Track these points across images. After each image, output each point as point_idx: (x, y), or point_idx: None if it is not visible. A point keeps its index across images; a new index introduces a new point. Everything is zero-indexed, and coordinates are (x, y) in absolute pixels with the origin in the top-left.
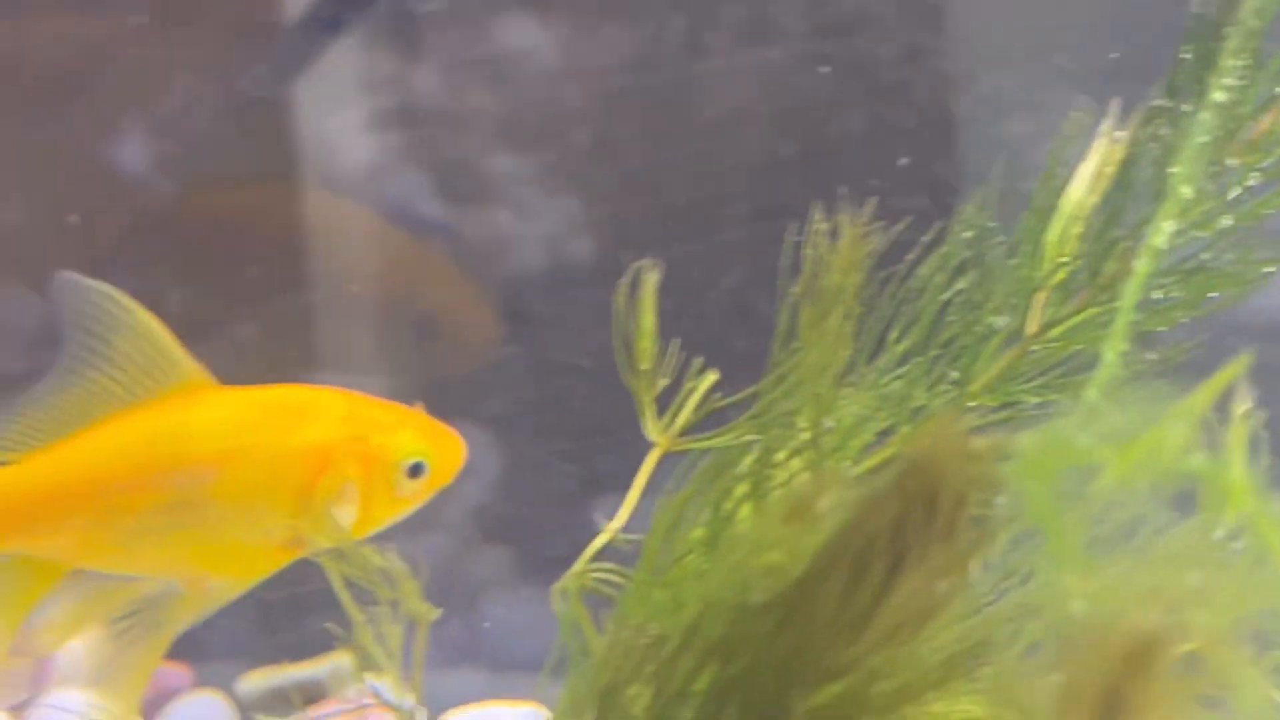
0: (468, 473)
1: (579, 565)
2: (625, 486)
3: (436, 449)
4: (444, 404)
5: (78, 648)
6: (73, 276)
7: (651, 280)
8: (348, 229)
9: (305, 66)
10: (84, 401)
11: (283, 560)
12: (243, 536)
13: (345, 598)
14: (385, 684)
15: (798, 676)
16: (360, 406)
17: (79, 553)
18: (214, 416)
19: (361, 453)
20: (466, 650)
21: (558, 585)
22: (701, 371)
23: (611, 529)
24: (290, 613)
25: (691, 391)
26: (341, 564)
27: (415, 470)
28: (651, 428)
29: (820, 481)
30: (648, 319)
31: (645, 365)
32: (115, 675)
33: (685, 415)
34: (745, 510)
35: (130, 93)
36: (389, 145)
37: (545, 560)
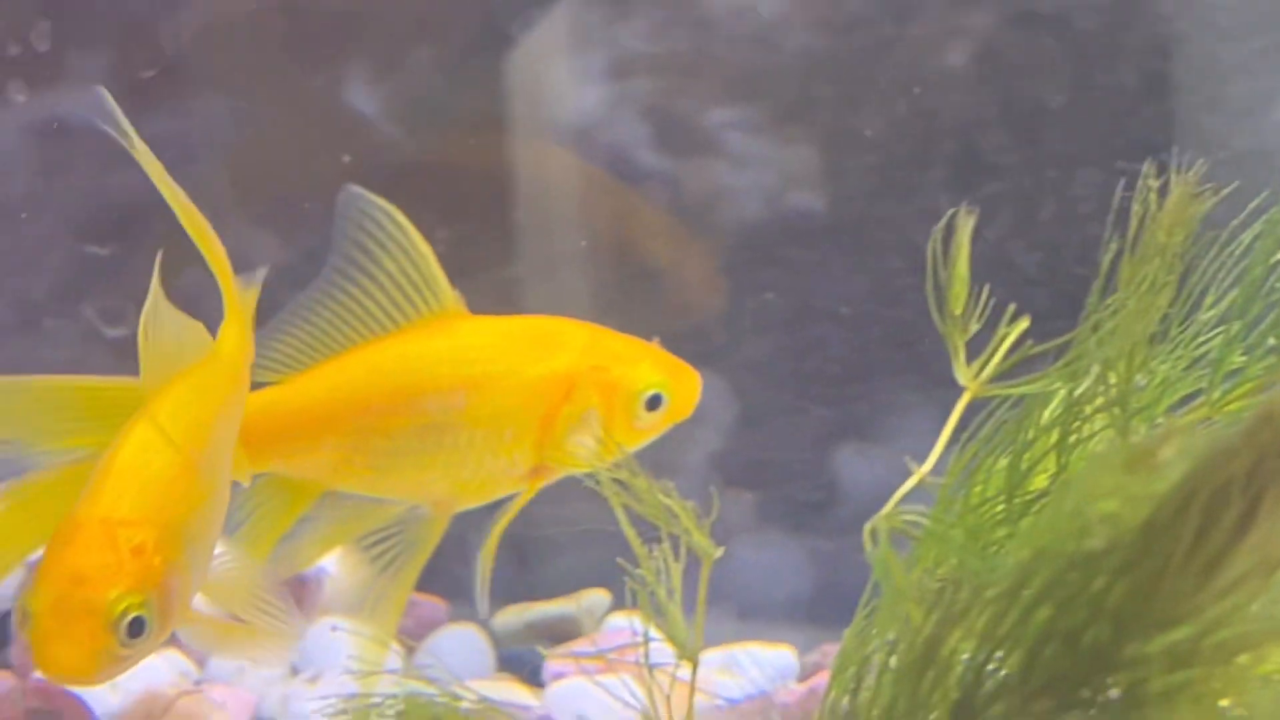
0: (718, 415)
1: (888, 507)
2: (877, 433)
3: (674, 382)
4: (697, 347)
5: (339, 575)
6: (358, 190)
7: (968, 226)
8: (571, 180)
9: (542, 14)
10: (344, 319)
11: (531, 486)
12: (489, 461)
13: (630, 533)
14: (643, 621)
15: (1133, 624)
16: (602, 338)
17: (334, 474)
18: (466, 343)
19: (603, 382)
20: (713, 592)
21: (868, 525)
22: (1013, 320)
23: (921, 472)
24: (543, 551)
25: (1003, 338)
26: (624, 496)
27: (654, 402)
28: (962, 372)
29: (1164, 431)
30: (962, 265)
31: (958, 310)
32: (373, 600)
33: (995, 361)
34: (1050, 462)
35: (390, 38)
36: (609, 96)
37: (795, 505)
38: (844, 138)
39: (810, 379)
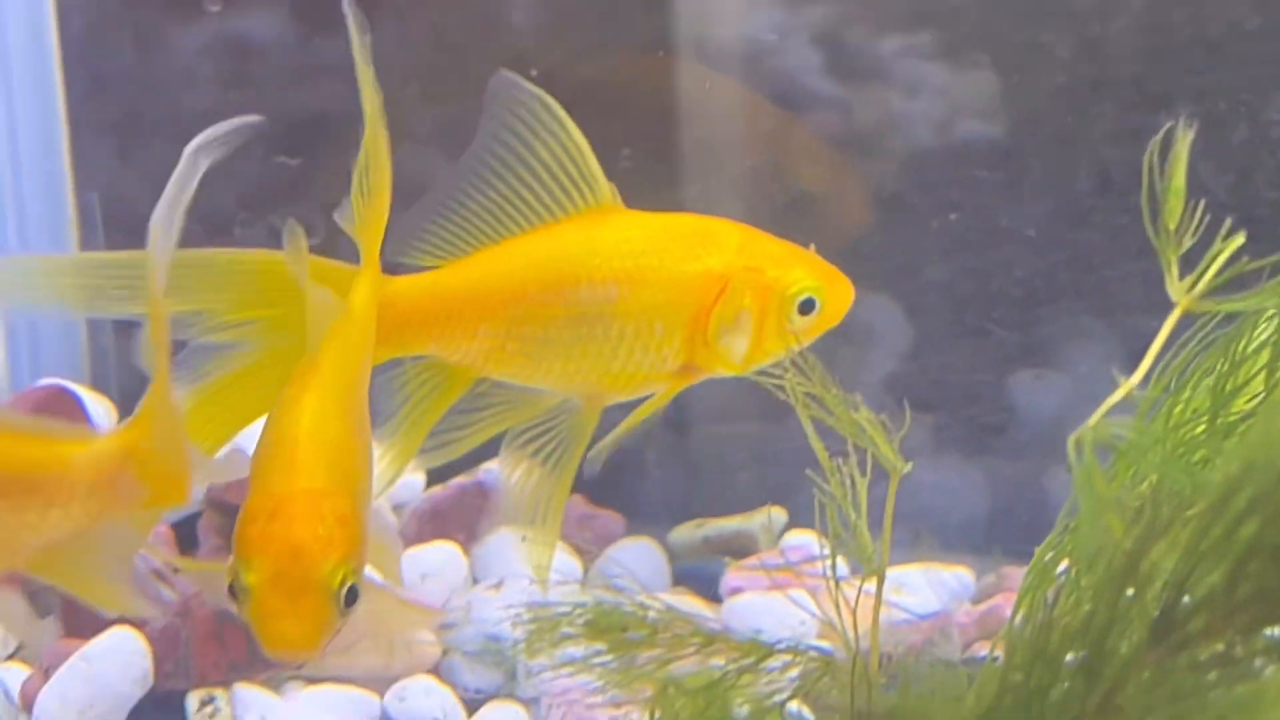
0: (900, 336)
1: (1094, 419)
2: (1058, 358)
3: (828, 287)
4: (879, 266)
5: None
6: (510, 75)
7: (1187, 139)
8: (725, 104)
9: None
10: (502, 208)
11: (674, 385)
12: (639, 355)
13: (819, 448)
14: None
15: None
16: (756, 239)
17: (488, 360)
18: (621, 237)
19: (757, 283)
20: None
21: (1073, 436)
22: (1228, 235)
23: (1129, 384)
24: (718, 470)
25: (1216, 254)
26: (814, 410)
27: (806, 306)
28: (1174, 287)
29: None
30: (1179, 178)
31: (1173, 225)
32: (534, 502)
33: (1209, 277)
34: (1254, 384)
35: None
36: (779, 20)
37: (974, 428)
38: (1030, 61)
39: (993, 301)
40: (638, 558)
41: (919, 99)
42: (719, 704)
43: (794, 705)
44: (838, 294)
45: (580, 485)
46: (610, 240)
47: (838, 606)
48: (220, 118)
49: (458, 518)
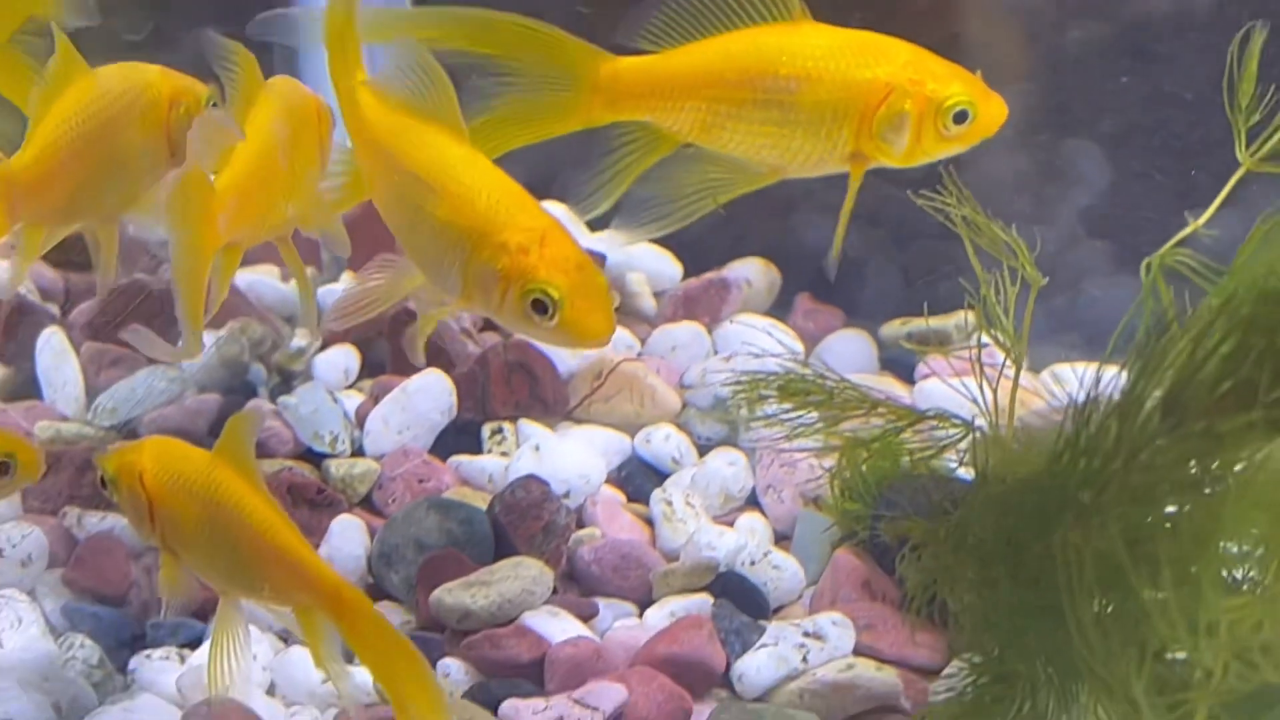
0: (1085, 178)
1: (1165, 248)
2: (1210, 199)
3: (982, 104)
4: (1064, 117)
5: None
6: None
7: (1260, 37)
8: None
9: None
10: (711, 8)
11: (852, 169)
12: (811, 140)
13: (975, 263)
14: (1000, 338)
15: None
16: (924, 58)
17: (692, 129)
18: (808, 43)
19: (918, 93)
20: (1067, 322)
21: (1145, 261)
22: None
23: (1195, 225)
24: (925, 278)
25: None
26: (973, 233)
27: (960, 117)
28: (1241, 152)
29: None
30: (1252, 65)
31: (1244, 101)
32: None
33: (1273, 142)
34: None
35: None
36: None
37: (1141, 254)
38: None
39: (1164, 151)
40: (852, 346)
41: None
42: (889, 455)
43: (951, 458)
44: (990, 109)
45: (808, 284)
46: (797, 44)
47: (980, 387)
48: None
49: (705, 303)
